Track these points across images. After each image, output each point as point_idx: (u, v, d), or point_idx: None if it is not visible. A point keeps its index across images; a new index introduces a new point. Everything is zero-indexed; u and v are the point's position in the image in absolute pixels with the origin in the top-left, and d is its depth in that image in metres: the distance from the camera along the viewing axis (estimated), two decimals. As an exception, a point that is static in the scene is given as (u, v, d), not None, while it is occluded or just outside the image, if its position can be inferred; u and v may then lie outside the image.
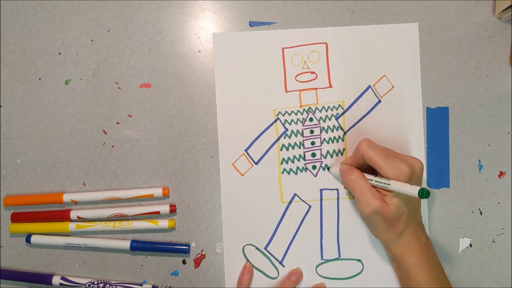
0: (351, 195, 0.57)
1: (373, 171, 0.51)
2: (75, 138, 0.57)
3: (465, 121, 0.58)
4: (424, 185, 0.57)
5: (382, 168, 0.49)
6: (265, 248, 0.57)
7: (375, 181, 0.49)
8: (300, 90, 0.57)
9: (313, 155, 0.57)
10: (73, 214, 0.56)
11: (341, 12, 0.58)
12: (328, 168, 0.57)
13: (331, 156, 0.57)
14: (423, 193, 0.44)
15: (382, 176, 0.49)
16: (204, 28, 0.58)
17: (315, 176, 0.57)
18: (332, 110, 0.57)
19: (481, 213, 0.58)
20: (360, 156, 0.51)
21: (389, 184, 0.48)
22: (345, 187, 0.57)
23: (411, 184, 0.47)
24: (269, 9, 0.57)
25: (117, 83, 0.57)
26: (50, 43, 0.57)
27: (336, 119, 0.57)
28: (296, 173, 0.57)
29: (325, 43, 0.57)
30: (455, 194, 0.58)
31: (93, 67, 0.57)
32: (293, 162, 0.57)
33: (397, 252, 0.52)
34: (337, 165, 0.56)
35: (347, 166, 0.53)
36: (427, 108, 0.58)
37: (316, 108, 0.57)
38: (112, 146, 0.57)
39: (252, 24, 0.57)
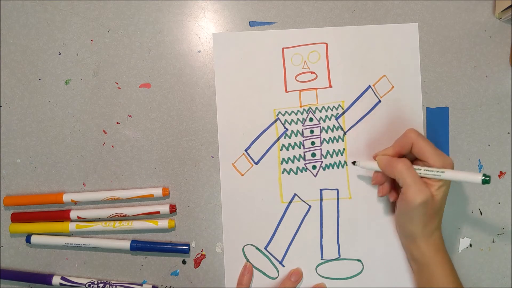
0: (351, 195, 0.57)
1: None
2: (75, 138, 0.57)
3: (465, 121, 0.58)
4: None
5: (432, 157, 0.49)
6: (265, 248, 0.57)
7: (424, 170, 0.49)
8: (300, 90, 0.57)
9: (313, 155, 0.57)
10: (73, 214, 0.56)
11: (341, 12, 0.58)
12: (354, 163, 0.56)
13: (331, 156, 0.57)
14: (486, 179, 0.44)
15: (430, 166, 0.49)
16: (204, 28, 0.58)
17: (315, 176, 0.57)
18: (332, 110, 0.57)
19: (481, 213, 0.58)
20: (407, 145, 0.51)
21: (443, 172, 0.48)
22: (390, 176, 0.53)
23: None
24: (269, 9, 0.57)
25: (117, 83, 0.57)
26: (50, 43, 0.57)
27: (336, 119, 0.57)
28: (296, 173, 0.57)
29: (325, 43, 0.57)
30: (455, 194, 0.58)
31: (93, 67, 0.57)
32: (293, 162, 0.57)
33: (426, 251, 0.51)
34: (366, 160, 0.56)
35: (389, 157, 0.53)
36: (427, 108, 0.58)
37: (316, 108, 0.57)
38: (112, 146, 0.57)
39: (252, 24, 0.57)
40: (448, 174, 0.48)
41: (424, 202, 0.49)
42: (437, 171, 0.48)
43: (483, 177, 0.44)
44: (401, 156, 0.53)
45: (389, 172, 0.52)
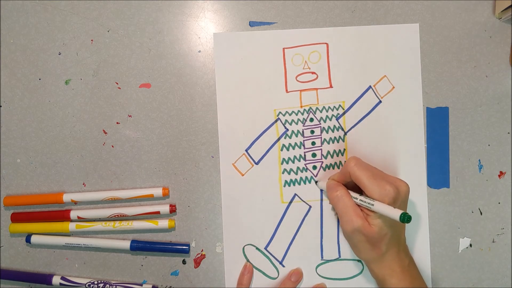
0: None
1: (360, 189, 0.51)
2: (75, 138, 0.57)
3: (465, 121, 0.58)
4: (424, 186, 0.57)
5: (367, 187, 0.48)
6: (265, 248, 0.57)
7: (360, 200, 0.49)
8: (301, 90, 0.57)
9: (314, 155, 0.57)
10: (73, 214, 0.56)
11: (341, 12, 0.58)
12: (316, 182, 0.57)
13: (332, 156, 0.57)
14: (405, 218, 0.44)
15: (367, 196, 0.49)
16: (204, 28, 0.58)
17: (315, 176, 0.57)
18: (332, 110, 0.57)
19: (481, 213, 0.58)
20: (347, 173, 0.51)
21: (372, 205, 0.48)
22: (330, 203, 0.57)
23: (395, 207, 0.47)
24: (269, 9, 0.57)
25: (117, 83, 0.57)
26: (50, 43, 0.57)
27: (337, 119, 0.57)
28: (296, 173, 0.57)
29: (325, 43, 0.57)
30: (455, 194, 0.58)
31: (93, 67, 0.57)
32: (293, 162, 0.57)
33: (379, 273, 0.51)
34: (325, 180, 0.56)
35: (334, 182, 0.53)
36: (427, 108, 0.58)
37: (317, 108, 0.57)
38: (112, 146, 0.57)
39: (252, 24, 0.57)
40: (376, 207, 0.47)
41: (354, 231, 0.49)
42: (369, 202, 0.48)
43: (402, 215, 0.44)
44: (348, 182, 0.52)
45: (328, 198, 0.54)
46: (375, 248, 0.50)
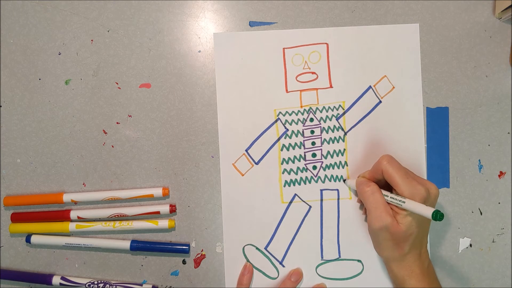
0: (352, 195, 0.57)
1: (389, 189, 0.51)
2: (75, 138, 0.57)
3: (465, 121, 0.58)
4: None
5: (399, 185, 0.49)
6: (265, 248, 0.57)
7: (390, 197, 0.49)
8: (301, 90, 0.57)
9: (314, 155, 0.57)
10: (73, 214, 0.56)
11: (341, 12, 0.58)
12: (344, 180, 0.57)
13: (332, 157, 0.57)
14: (437, 216, 0.44)
15: (397, 194, 0.49)
16: (204, 28, 0.58)
17: (315, 176, 0.57)
18: (332, 110, 0.57)
19: (481, 213, 0.58)
20: (379, 170, 0.51)
21: (404, 202, 0.48)
22: (359, 198, 0.57)
23: None
24: (269, 9, 0.57)
25: (117, 83, 0.57)
26: (50, 43, 0.57)
27: (337, 119, 0.57)
28: (296, 173, 0.57)
29: (326, 43, 0.57)
30: (455, 194, 0.58)
31: (93, 67, 0.57)
32: (293, 162, 0.57)
33: (399, 273, 0.51)
34: (354, 178, 0.56)
35: (365, 179, 0.53)
36: (427, 108, 0.58)
37: (317, 108, 0.57)
38: (112, 146, 0.57)
39: (252, 24, 0.57)
40: (407, 205, 0.47)
41: (382, 228, 0.50)
42: (400, 200, 0.48)
43: (434, 213, 0.44)
44: (379, 180, 0.53)
45: (358, 194, 0.54)
46: (398, 248, 0.50)
